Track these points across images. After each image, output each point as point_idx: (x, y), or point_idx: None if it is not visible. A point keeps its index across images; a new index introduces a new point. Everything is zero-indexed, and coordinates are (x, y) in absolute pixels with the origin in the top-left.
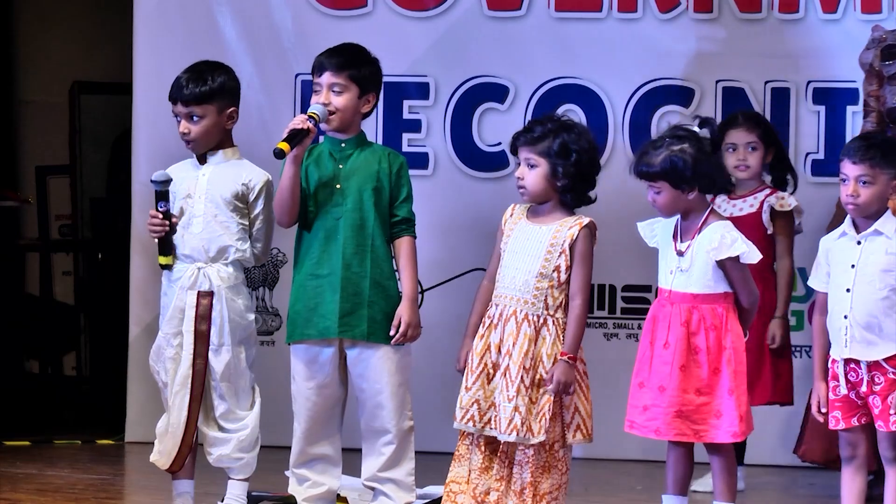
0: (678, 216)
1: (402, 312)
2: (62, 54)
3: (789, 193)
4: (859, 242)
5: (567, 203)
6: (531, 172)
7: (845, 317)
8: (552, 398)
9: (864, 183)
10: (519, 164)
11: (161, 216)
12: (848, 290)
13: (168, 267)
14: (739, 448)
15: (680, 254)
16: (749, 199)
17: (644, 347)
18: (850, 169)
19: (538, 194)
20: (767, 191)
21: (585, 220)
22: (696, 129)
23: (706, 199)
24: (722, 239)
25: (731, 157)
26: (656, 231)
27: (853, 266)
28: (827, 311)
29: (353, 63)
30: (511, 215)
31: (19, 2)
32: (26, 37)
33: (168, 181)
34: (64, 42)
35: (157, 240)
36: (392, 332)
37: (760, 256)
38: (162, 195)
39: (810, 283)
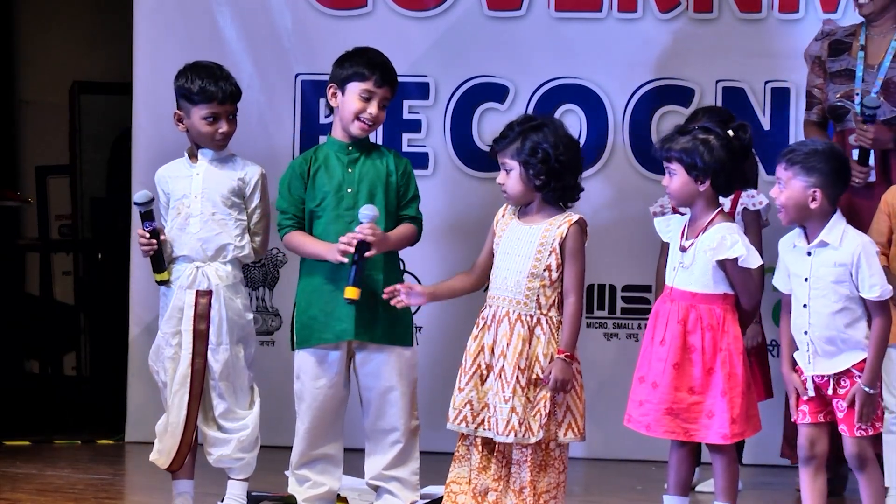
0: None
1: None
2: (62, 54)
3: (758, 191)
4: (809, 254)
5: (551, 201)
6: (508, 177)
7: (805, 332)
8: (549, 396)
9: (782, 185)
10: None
11: (148, 235)
12: (805, 306)
13: (165, 283)
14: (737, 448)
15: (683, 250)
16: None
17: (646, 343)
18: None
19: (519, 197)
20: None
21: (575, 217)
22: (729, 131)
23: (717, 200)
24: (722, 240)
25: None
26: (671, 227)
27: (806, 280)
28: (790, 311)
29: (397, 80)
30: (503, 216)
31: (19, 2)
32: (26, 37)
33: (151, 201)
34: (64, 42)
35: (149, 258)
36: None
37: (761, 262)
38: (146, 215)
39: (774, 283)
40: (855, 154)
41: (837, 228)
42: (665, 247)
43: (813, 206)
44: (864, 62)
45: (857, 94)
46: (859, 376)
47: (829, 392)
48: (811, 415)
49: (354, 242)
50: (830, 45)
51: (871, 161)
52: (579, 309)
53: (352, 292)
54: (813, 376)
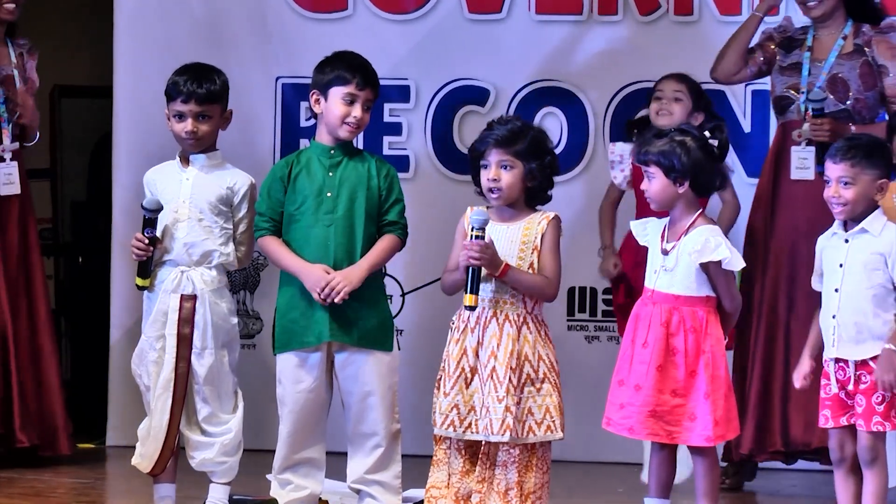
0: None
1: (340, 272)
2: (42, 58)
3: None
4: (847, 241)
5: (531, 203)
6: (507, 174)
7: (833, 316)
8: (555, 396)
9: (846, 184)
10: (486, 166)
11: (146, 241)
12: (836, 290)
13: (145, 289)
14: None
15: (665, 253)
16: None
17: (625, 346)
18: (831, 170)
19: (512, 196)
20: None
21: (551, 214)
22: (706, 133)
23: (697, 202)
24: (706, 242)
25: (654, 104)
26: (648, 230)
27: (841, 265)
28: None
29: (379, 82)
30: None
31: None
32: None
33: (159, 209)
34: (44, 45)
35: (137, 262)
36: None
37: (744, 264)
38: (150, 222)
39: (813, 283)
40: (800, 149)
41: (880, 219)
42: (612, 191)
43: (878, 197)
44: (810, 57)
45: (804, 92)
46: None
47: (851, 387)
48: (833, 419)
49: (338, 292)
50: (783, 41)
51: (812, 153)
52: (549, 288)
53: (472, 300)
54: (836, 373)
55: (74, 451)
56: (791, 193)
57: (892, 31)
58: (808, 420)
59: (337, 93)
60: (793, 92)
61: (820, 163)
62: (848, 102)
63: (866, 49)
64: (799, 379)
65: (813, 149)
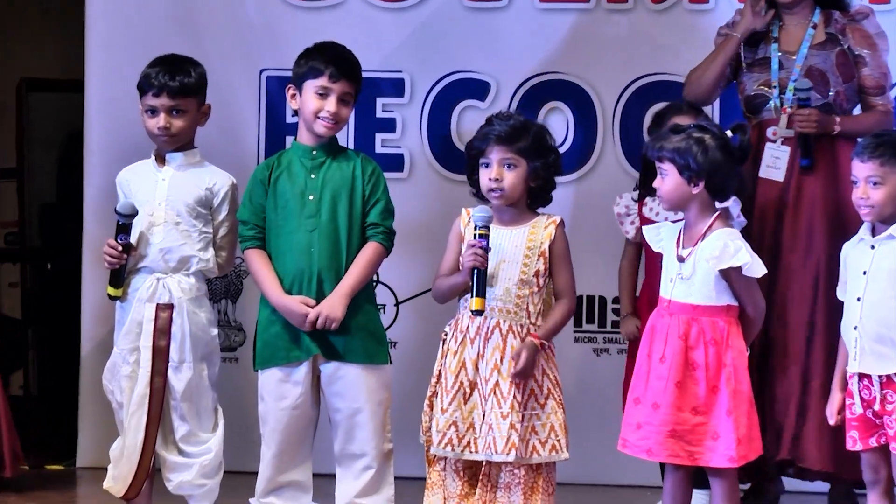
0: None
1: (323, 306)
2: (9, 50)
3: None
4: (873, 247)
5: (532, 204)
6: (511, 173)
7: (855, 328)
8: (560, 414)
9: (875, 184)
10: (486, 165)
11: (120, 248)
12: (859, 299)
13: (117, 298)
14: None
15: (681, 260)
16: None
17: (641, 361)
18: (859, 169)
19: (514, 196)
20: None
21: (557, 219)
22: (728, 133)
23: (714, 205)
24: (724, 247)
25: None
26: (662, 235)
27: (865, 273)
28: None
29: (360, 73)
30: (469, 220)
31: None
32: None
33: (133, 214)
34: (11, 37)
35: (109, 270)
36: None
37: (765, 270)
38: (123, 228)
39: (837, 293)
40: (774, 147)
41: None
42: (628, 247)
43: None
44: (779, 49)
45: (776, 87)
46: None
47: (878, 408)
48: (861, 441)
49: (317, 323)
50: (748, 37)
51: (786, 152)
52: (571, 311)
53: (478, 303)
54: (860, 391)
55: (19, 474)
56: (765, 198)
57: (865, 19)
58: (776, 433)
59: (310, 86)
60: (765, 89)
61: (805, 155)
62: (830, 95)
63: (840, 38)
64: (832, 416)
65: (788, 148)
